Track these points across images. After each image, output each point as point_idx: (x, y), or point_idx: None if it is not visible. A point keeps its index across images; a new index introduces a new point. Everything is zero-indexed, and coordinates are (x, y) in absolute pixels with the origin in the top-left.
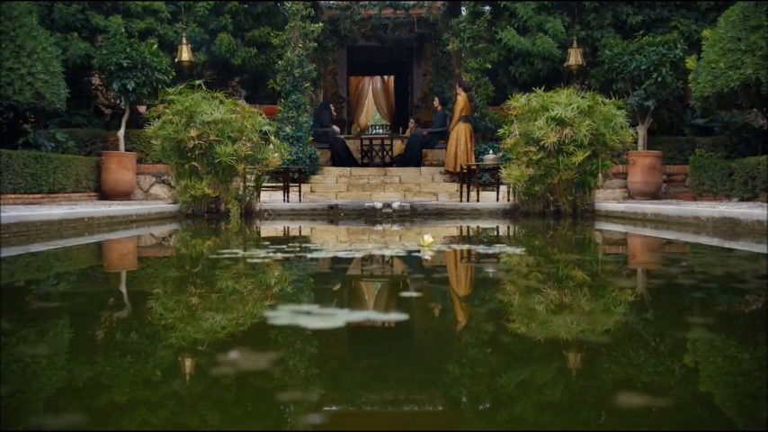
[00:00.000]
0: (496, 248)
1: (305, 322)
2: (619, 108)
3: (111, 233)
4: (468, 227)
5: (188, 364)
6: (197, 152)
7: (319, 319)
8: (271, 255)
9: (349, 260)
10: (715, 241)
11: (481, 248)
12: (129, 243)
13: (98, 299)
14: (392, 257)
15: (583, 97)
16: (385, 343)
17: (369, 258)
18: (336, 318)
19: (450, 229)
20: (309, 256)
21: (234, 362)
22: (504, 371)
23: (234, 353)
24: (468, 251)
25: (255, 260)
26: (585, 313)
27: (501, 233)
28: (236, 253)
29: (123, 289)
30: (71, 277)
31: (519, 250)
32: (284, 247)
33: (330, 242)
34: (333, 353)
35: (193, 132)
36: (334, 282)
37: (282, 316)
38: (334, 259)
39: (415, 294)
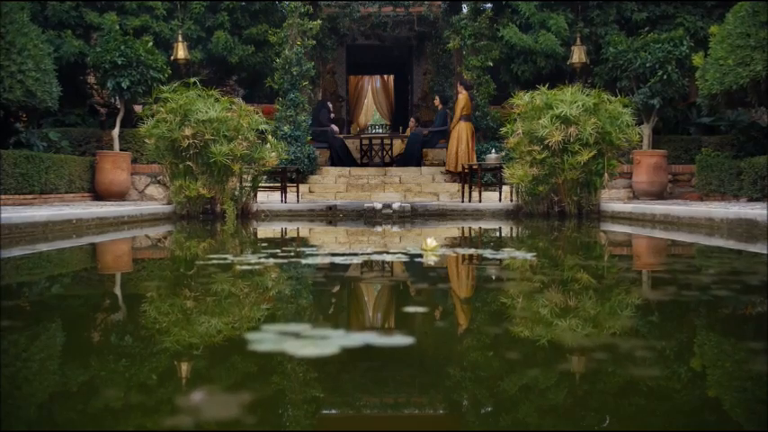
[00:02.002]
0: (504, 253)
1: (292, 348)
2: (625, 106)
3: (99, 236)
4: (470, 228)
5: (135, 411)
6: (192, 151)
7: (310, 344)
8: (263, 260)
9: (346, 267)
10: (731, 244)
11: (488, 253)
12: (114, 246)
13: (57, 311)
14: (393, 263)
15: (588, 95)
16: (388, 376)
17: (368, 265)
18: (330, 342)
19: (453, 230)
20: (304, 261)
21: (195, 408)
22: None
23: (197, 394)
24: (475, 256)
25: (245, 267)
26: (640, 338)
27: (506, 235)
28: (226, 258)
29: (90, 304)
30: (38, 285)
31: (529, 255)
32: (278, 251)
33: (327, 245)
34: (321, 394)
35: (188, 131)
36: (328, 294)
37: (266, 339)
38: (331, 266)
39: (420, 309)
